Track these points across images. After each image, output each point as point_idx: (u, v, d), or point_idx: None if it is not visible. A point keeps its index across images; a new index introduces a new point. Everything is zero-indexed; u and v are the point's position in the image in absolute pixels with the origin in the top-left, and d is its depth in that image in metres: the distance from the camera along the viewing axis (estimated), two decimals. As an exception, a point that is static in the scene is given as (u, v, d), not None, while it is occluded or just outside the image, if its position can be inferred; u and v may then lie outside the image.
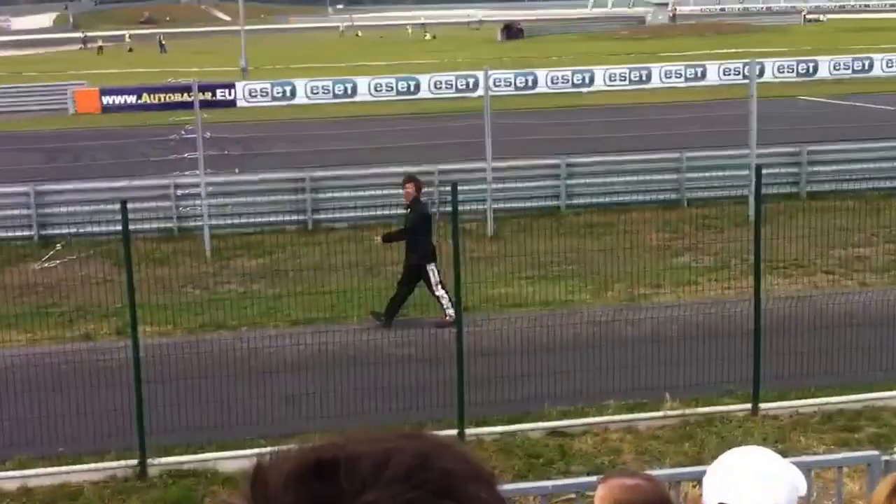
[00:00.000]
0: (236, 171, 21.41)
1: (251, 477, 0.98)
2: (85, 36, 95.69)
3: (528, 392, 10.58)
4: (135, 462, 9.28)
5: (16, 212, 19.16)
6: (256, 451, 8.59)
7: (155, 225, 18.72)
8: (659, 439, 9.75)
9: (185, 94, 38.09)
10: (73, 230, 18.57)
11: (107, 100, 41.66)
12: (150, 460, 9.29)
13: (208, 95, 37.19)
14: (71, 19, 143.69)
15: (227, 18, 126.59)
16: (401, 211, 19.35)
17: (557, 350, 11.33)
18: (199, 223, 18.59)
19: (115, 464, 9.33)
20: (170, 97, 40.38)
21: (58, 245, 18.02)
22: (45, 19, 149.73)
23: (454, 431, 9.52)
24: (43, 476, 9.09)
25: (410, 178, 14.35)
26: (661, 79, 44.24)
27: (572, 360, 10.98)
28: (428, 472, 0.96)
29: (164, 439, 9.58)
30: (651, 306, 13.46)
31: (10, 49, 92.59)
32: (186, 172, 19.48)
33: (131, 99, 41.81)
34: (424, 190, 14.76)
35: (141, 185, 20.02)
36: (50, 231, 19.09)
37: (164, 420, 9.88)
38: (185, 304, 14.44)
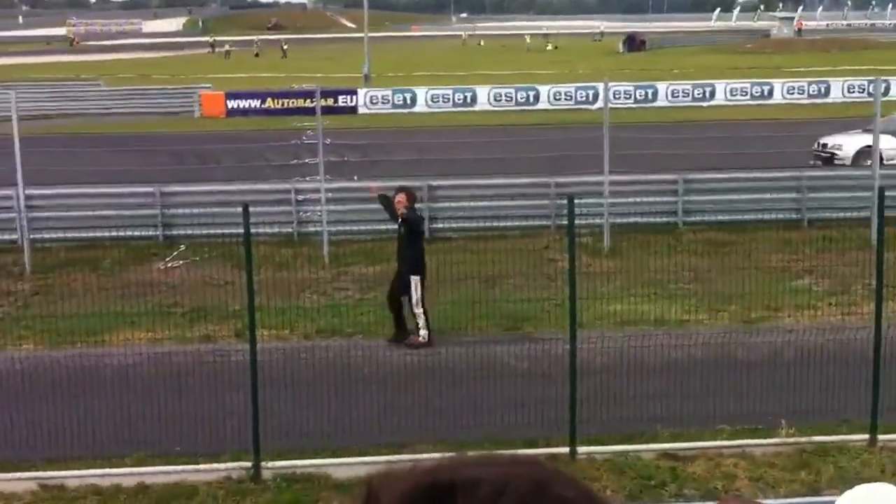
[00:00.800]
0: (355, 177, 21.64)
1: (364, 496, 0.98)
2: (213, 40, 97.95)
3: (641, 412, 10.46)
4: (249, 464, 9.44)
5: (142, 212, 19.70)
6: (368, 458, 8.68)
7: (275, 229, 19.05)
8: (774, 466, 9.54)
9: (308, 100, 38.72)
10: (196, 231, 19.05)
11: (232, 104, 42.58)
12: (263, 463, 9.44)
13: (330, 101, 37.74)
14: (200, 24, 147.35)
15: (352, 25, 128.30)
16: (517, 223, 19.44)
17: (671, 371, 11.18)
18: (318, 228, 18.85)
19: (229, 465, 9.51)
20: (292, 102, 41.08)
21: (181, 246, 18.47)
22: (175, 23, 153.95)
23: (566, 449, 9.47)
24: (159, 474, 9.31)
25: (402, 189, 14.30)
26: (783, 95, 43.34)
27: (686, 382, 10.82)
28: (544, 499, 0.96)
29: (278, 443, 9.73)
30: (768, 329, 13.18)
31: (141, 52, 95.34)
32: (307, 178, 19.79)
33: (255, 103, 42.66)
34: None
35: (262, 189, 20.38)
36: (174, 231, 19.56)
37: (278, 424, 10.04)
38: (302, 310, 14.67)
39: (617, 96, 38.00)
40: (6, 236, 18.80)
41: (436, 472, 0.98)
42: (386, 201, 14.16)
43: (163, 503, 8.92)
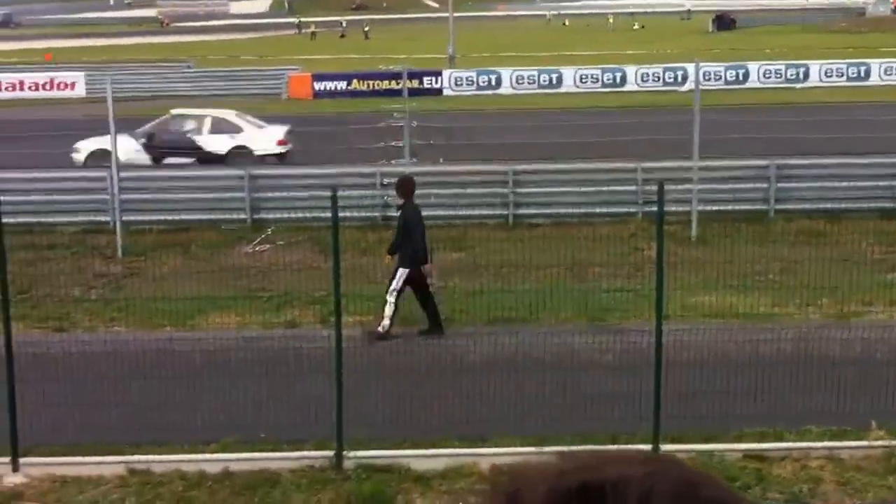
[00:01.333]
0: (441, 160, 21.62)
1: (506, 496, 0.95)
2: (299, 21, 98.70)
3: (726, 409, 10.28)
4: (331, 453, 9.50)
5: (231, 195, 19.94)
6: (449, 451, 8.67)
7: (360, 213, 19.11)
8: (863, 471, 9.30)
9: (394, 82, 38.87)
10: (283, 215, 19.21)
11: (318, 85, 42.88)
12: (346, 453, 9.49)
13: (415, 83, 37.77)
14: (287, 4, 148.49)
15: (436, 5, 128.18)
16: (603, 209, 19.22)
17: (758, 366, 10.97)
18: (402, 212, 18.85)
19: (312, 454, 9.58)
20: (378, 84, 41.24)
21: (268, 229, 18.64)
22: (262, 4, 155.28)
23: (648, 447, 9.35)
24: (244, 461, 9.42)
25: (400, 179, 14.16)
26: (880, 76, 42.26)
27: (773, 378, 10.61)
28: (695, 501, 0.94)
29: (361, 432, 9.78)
30: (861, 325, 12.86)
31: (228, 33, 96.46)
32: (392, 161, 19.82)
33: (341, 85, 42.90)
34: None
35: (348, 173, 20.46)
36: (262, 215, 19.76)
37: (361, 413, 10.08)
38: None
39: (707, 77, 37.38)
40: (100, 218, 19.17)
41: (584, 472, 0.94)
42: (392, 249, 13.78)
43: (246, 490, 9.02)
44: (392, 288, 13.08)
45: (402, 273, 13.08)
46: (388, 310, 13.04)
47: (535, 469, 0.96)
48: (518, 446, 9.49)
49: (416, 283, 13.18)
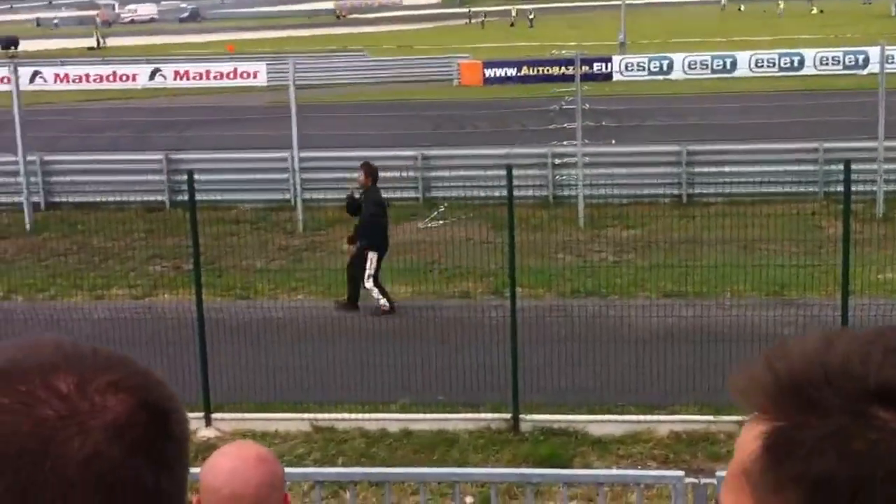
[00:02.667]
0: (612, 142, 21.41)
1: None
2: (470, 11, 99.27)
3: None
4: (508, 416, 9.52)
5: (405, 174, 20.20)
6: (625, 417, 8.56)
7: (532, 193, 19.08)
8: None
9: (564, 68, 38.64)
10: (455, 193, 19.37)
11: (489, 72, 42.99)
12: (522, 416, 9.50)
13: (585, 69, 37.42)
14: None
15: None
16: (780, 189, 18.65)
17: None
18: (574, 192, 18.77)
19: (489, 416, 9.62)
20: (548, 70, 41.07)
21: (441, 206, 18.80)
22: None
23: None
24: (423, 421, 9.53)
25: (364, 164, 13.97)
26: None
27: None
28: None
29: (536, 397, 9.76)
30: None
31: (402, 24, 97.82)
32: (564, 142, 19.71)
33: (512, 72, 42.91)
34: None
35: (520, 154, 20.45)
36: (434, 194, 19.95)
37: (535, 378, 10.06)
38: (557, 270, 14.66)
39: (889, 60, 35.78)
40: (281, 196, 19.72)
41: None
42: (352, 238, 13.90)
43: (426, 448, 9.12)
44: (366, 275, 13.27)
45: (371, 257, 13.29)
46: (375, 293, 13.25)
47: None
48: (694, 414, 9.30)
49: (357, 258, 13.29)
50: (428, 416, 9.58)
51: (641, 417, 9.44)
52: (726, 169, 19.36)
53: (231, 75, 44.35)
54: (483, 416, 9.58)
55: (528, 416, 9.49)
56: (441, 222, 17.96)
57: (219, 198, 18.67)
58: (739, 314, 11.61)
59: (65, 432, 0.95)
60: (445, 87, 41.28)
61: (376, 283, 13.36)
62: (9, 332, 11.48)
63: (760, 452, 0.92)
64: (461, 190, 19.40)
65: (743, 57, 41.93)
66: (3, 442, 0.94)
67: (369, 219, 13.44)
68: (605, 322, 11.85)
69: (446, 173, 20.24)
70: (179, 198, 19.02)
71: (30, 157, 19.40)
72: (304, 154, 19.07)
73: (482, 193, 18.55)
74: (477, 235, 16.85)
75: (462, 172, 19.96)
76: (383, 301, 13.30)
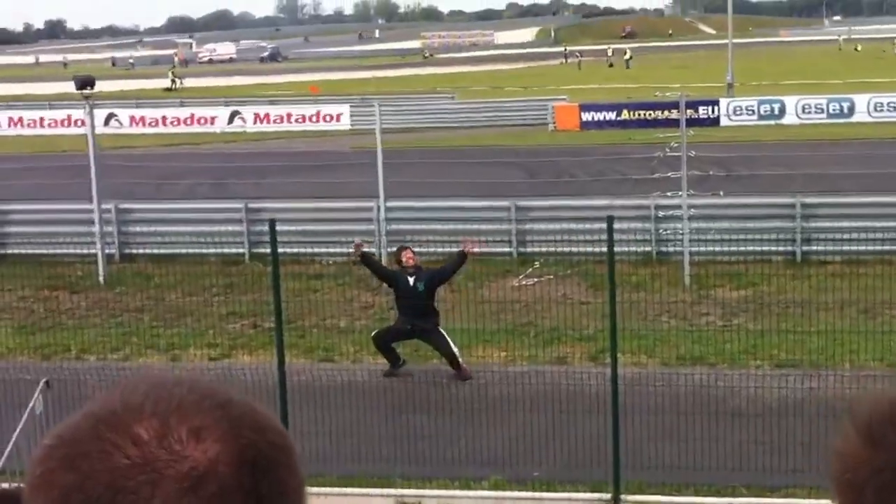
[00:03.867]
0: (720, 193, 21.20)
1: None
2: (566, 50, 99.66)
3: None
4: (608, 496, 9.40)
5: (497, 226, 20.22)
6: (735, 499, 8.38)
7: (633, 248, 18.95)
8: None
9: (666, 112, 38.49)
10: (550, 248, 19.31)
11: (586, 116, 43.00)
12: (623, 496, 9.38)
13: (690, 112, 37.23)
14: (552, 34, 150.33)
15: (712, 32, 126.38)
16: None
17: None
18: (679, 248, 18.60)
19: (588, 496, 9.53)
20: (650, 114, 40.95)
21: (535, 262, 18.76)
22: (528, 34, 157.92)
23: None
24: (517, 500, 9.46)
25: (405, 247, 14.73)
26: None
27: None
28: None
29: (638, 475, 9.63)
30: None
31: (492, 63, 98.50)
32: (668, 193, 19.58)
33: (610, 115, 42.86)
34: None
35: (619, 205, 20.36)
36: (528, 248, 19.92)
37: (637, 454, 9.93)
38: (661, 334, 14.51)
39: None
40: (366, 249, 19.80)
41: None
42: (368, 260, 14.53)
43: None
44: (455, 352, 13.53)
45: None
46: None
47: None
48: (812, 498, 9.07)
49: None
50: (522, 494, 9.51)
51: (754, 500, 9.24)
52: (845, 224, 18.99)
53: (313, 118, 45.07)
54: (581, 495, 9.47)
55: (630, 497, 9.36)
56: (536, 280, 17.93)
57: (300, 250, 18.88)
58: (860, 386, 11.33)
59: (135, 481, 0.95)
60: (539, 131, 41.38)
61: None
62: (79, 396, 11.71)
63: None
64: (557, 244, 19.35)
65: (861, 100, 41.28)
66: (77, 489, 0.96)
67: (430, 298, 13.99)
68: (713, 393, 11.67)
69: (541, 226, 20.19)
70: (259, 249, 19.30)
71: (104, 206, 19.85)
72: (390, 203, 19.22)
73: (580, 248, 18.51)
74: (574, 294, 16.83)
75: (558, 225, 19.90)
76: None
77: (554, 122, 43.01)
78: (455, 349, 13.52)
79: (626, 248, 18.46)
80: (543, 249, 19.45)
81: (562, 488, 9.62)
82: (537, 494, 9.49)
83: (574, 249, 18.48)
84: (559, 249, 19.03)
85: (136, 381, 1.05)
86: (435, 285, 14.13)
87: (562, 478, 9.82)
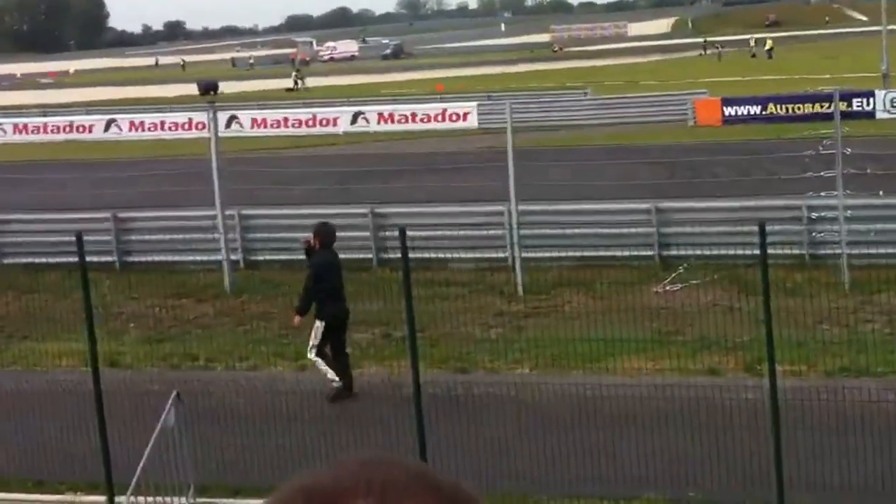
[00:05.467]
0: (880, 193, 20.61)
1: None
2: (705, 41, 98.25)
3: None
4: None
5: (638, 230, 19.97)
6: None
7: (783, 251, 18.48)
8: None
9: (817, 105, 37.65)
10: (695, 252, 18.98)
11: (729, 111, 42.27)
12: (786, 518, 9.13)
13: (843, 105, 36.31)
14: (690, 24, 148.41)
15: (863, 18, 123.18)
16: None
17: None
18: (836, 251, 18.10)
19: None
20: (799, 108, 40.09)
21: (679, 267, 18.46)
22: (663, 24, 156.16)
23: None
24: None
25: (319, 224, 14.27)
26: None
27: None
28: None
29: (803, 497, 9.36)
30: None
31: (626, 56, 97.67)
32: (822, 193, 19.09)
33: (755, 110, 42.05)
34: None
35: (767, 206, 19.92)
36: (672, 252, 19.61)
37: (802, 473, 9.65)
38: (820, 343, 14.12)
39: None
40: (498, 254, 19.77)
41: None
42: (300, 308, 13.80)
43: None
44: (311, 345, 13.26)
45: (317, 326, 13.24)
46: (322, 367, 13.16)
47: None
48: None
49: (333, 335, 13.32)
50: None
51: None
52: None
53: (439, 117, 45.23)
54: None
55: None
56: (681, 285, 17.63)
57: (427, 255, 18.88)
58: None
59: None
60: (678, 127, 40.82)
61: (321, 355, 13.32)
62: (208, 405, 11.89)
63: None
64: (703, 248, 19.02)
65: None
66: None
67: (315, 285, 13.56)
68: (883, 408, 11.29)
69: (685, 229, 19.87)
70: (386, 255, 19.38)
71: (228, 212, 20.16)
72: (522, 207, 19.10)
73: (726, 252, 18.16)
74: (723, 300, 16.49)
75: (702, 228, 19.56)
76: (331, 376, 13.19)
77: (694, 118, 42.39)
78: (312, 356, 13.34)
79: (777, 252, 18.05)
80: (687, 253, 19.14)
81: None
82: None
83: (720, 252, 18.16)
84: (704, 253, 18.70)
85: (347, 459, 1.08)
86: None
87: (720, 499, 9.59)
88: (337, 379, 13.13)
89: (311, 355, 13.35)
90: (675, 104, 44.25)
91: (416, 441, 9.89)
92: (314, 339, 13.35)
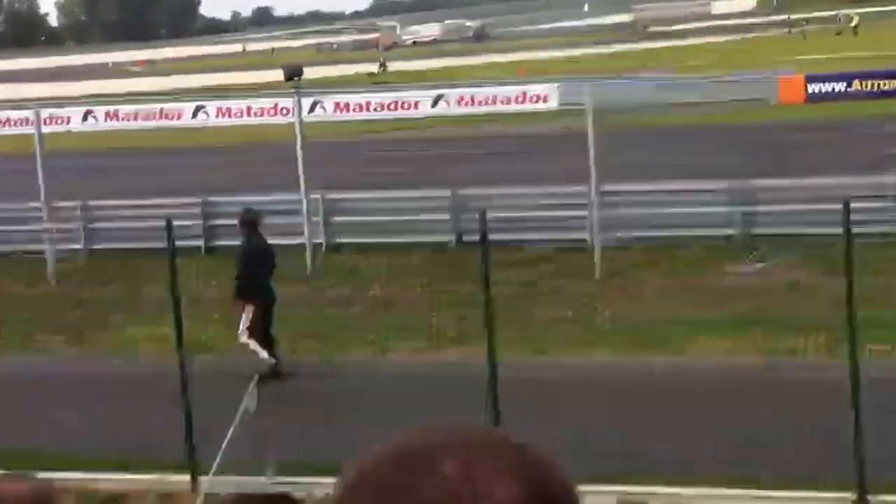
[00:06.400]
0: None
1: None
2: (790, 19, 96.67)
3: None
4: (851, 496, 9.07)
5: (717, 209, 19.73)
6: None
7: (875, 229, 18.09)
8: None
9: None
10: (776, 230, 18.70)
11: (812, 88, 41.57)
12: (869, 497, 9.00)
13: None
14: (775, 1, 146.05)
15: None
16: None
17: None
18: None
19: (827, 495, 9.23)
20: (884, 84, 39.33)
21: (759, 247, 18.20)
22: (748, 2, 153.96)
23: None
24: (751, 498, 9.18)
25: (244, 211, 14.83)
26: None
27: None
28: None
29: (884, 475, 9.20)
30: None
31: (709, 35, 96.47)
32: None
33: (840, 87, 41.31)
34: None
35: (852, 184, 19.53)
36: (753, 231, 19.32)
37: (882, 452, 9.44)
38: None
39: None
40: (576, 235, 19.68)
41: None
42: (238, 292, 14.14)
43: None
44: (242, 328, 13.58)
45: (248, 309, 13.59)
46: (255, 347, 13.43)
47: None
48: None
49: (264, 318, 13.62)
50: (755, 492, 9.23)
51: None
52: None
53: (520, 99, 45.07)
54: (820, 494, 9.12)
55: (878, 497, 8.97)
56: (760, 265, 17.38)
57: (506, 237, 18.82)
58: None
59: None
60: (762, 106, 40.18)
61: (254, 336, 13.55)
62: (288, 388, 12.00)
63: None
64: (783, 226, 18.76)
65: None
66: None
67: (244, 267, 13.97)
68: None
69: (766, 208, 19.58)
70: (468, 238, 19.35)
71: (312, 196, 20.30)
72: (602, 188, 18.92)
73: (809, 231, 17.88)
74: (805, 280, 16.22)
75: (784, 207, 19.27)
76: (265, 356, 13.36)
77: (777, 96, 41.72)
78: (244, 339, 13.65)
79: (863, 230, 17.68)
80: (769, 232, 18.87)
81: (798, 486, 9.25)
82: (772, 493, 9.18)
83: (803, 232, 17.88)
84: (786, 232, 18.44)
85: (429, 427, 1.14)
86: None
87: (799, 475, 9.44)
88: (269, 357, 13.46)
89: (244, 338, 13.74)
90: (758, 83, 43.58)
91: (491, 424, 9.85)
92: (245, 322, 13.79)
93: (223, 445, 9.56)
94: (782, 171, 23.41)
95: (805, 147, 28.69)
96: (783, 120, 35.43)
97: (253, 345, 13.62)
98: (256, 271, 13.86)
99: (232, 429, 9.66)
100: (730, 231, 19.41)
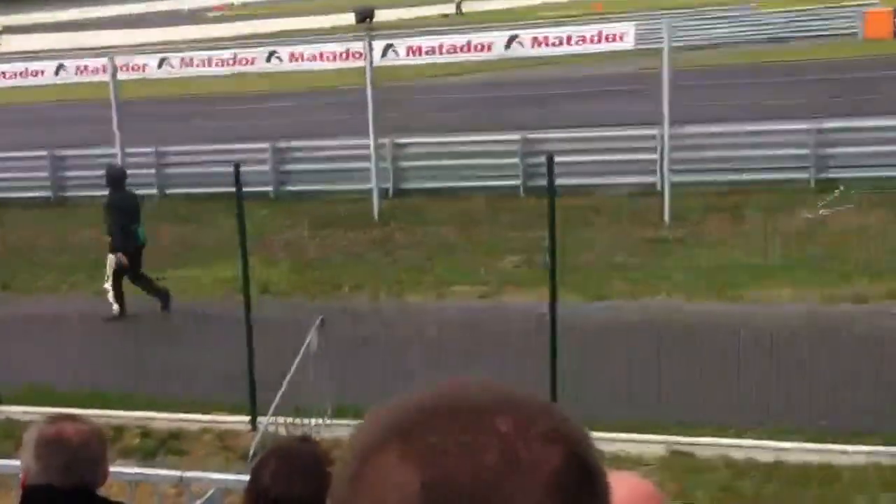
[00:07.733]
0: None
1: None
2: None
3: None
4: (901, 449, 9.04)
5: (792, 151, 19.53)
6: None
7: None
8: None
9: None
10: (855, 174, 18.47)
11: (902, 22, 40.59)
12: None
13: None
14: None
15: None
16: None
17: None
18: None
19: (877, 448, 9.12)
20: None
21: (836, 190, 18.01)
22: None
23: None
24: (797, 451, 9.21)
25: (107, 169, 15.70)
26: None
27: None
28: None
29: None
30: None
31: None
32: None
33: (930, 19, 40.31)
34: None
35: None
36: (829, 174, 19.11)
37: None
38: None
39: None
40: (647, 179, 19.64)
41: None
42: (114, 246, 14.92)
43: (797, 484, 8.80)
44: (107, 275, 14.72)
45: (112, 258, 14.63)
46: (110, 297, 14.61)
47: None
48: None
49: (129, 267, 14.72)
50: (805, 445, 9.23)
51: None
52: None
53: (595, 39, 44.67)
54: (870, 448, 9.07)
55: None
56: (835, 209, 17.21)
57: (575, 182, 18.84)
58: None
59: (509, 482, 0.97)
60: (848, 42, 39.41)
61: (116, 289, 14.71)
62: (351, 332, 12.23)
63: None
64: (862, 170, 18.53)
65: None
66: (442, 486, 0.97)
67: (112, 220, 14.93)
68: None
69: (845, 149, 19.32)
70: (535, 182, 19.40)
71: (380, 140, 20.46)
72: (675, 131, 18.80)
73: (889, 174, 17.71)
74: (880, 225, 16.05)
75: (862, 149, 19.02)
76: (115, 307, 14.59)
77: (863, 31, 40.85)
78: (108, 285, 14.77)
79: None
80: (846, 175, 18.64)
81: (845, 440, 9.25)
82: (824, 446, 9.18)
83: (882, 174, 17.68)
84: (864, 175, 18.21)
85: (457, 381, 1.07)
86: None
87: (847, 428, 9.45)
88: (118, 308, 14.60)
89: (107, 284, 14.80)
90: (843, 17, 42.72)
91: (550, 370, 9.95)
92: (109, 269, 14.77)
93: (283, 387, 9.83)
94: (866, 110, 23.07)
95: (890, 85, 28.17)
96: (870, 56, 34.75)
97: (110, 294, 14.76)
98: (126, 224, 14.86)
99: (292, 371, 9.94)
100: (806, 175, 19.21)
